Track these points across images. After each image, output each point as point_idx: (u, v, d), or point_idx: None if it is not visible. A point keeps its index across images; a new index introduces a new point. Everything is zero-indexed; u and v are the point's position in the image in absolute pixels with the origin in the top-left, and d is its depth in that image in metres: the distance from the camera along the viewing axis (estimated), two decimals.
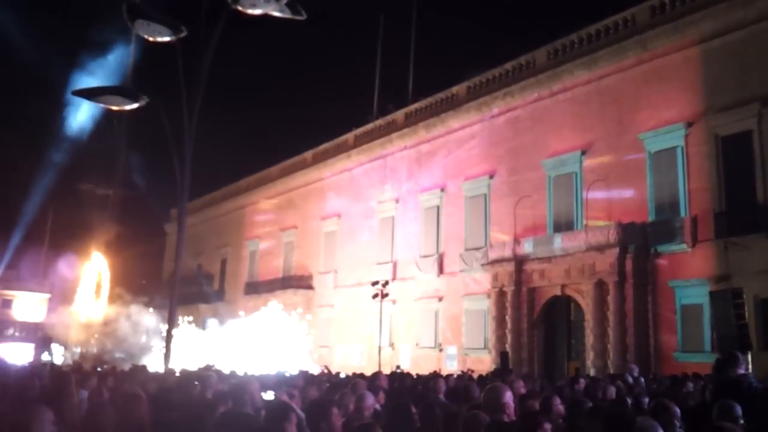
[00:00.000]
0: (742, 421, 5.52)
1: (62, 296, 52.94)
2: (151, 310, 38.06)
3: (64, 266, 50.86)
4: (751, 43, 21.94)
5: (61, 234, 54.62)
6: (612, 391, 9.45)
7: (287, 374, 15.24)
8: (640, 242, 23.83)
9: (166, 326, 12.27)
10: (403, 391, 9.77)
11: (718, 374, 8.38)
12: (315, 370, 23.00)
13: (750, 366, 16.45)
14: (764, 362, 17.69)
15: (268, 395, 7.71)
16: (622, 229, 23.91)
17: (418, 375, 17.69)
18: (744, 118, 21.92)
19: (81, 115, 39.98)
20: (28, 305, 60.79)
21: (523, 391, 8.05)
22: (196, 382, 8.63)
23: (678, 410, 5.33)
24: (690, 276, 22.75)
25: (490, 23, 63.49)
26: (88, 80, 34.82)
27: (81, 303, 47.31)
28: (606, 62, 26.23)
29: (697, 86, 23.49)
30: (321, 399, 6.64)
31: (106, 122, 41.73)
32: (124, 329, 36.68)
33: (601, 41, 26.71)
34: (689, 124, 23.45)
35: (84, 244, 49.52)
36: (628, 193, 24.96)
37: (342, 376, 18.07)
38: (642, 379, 13.44)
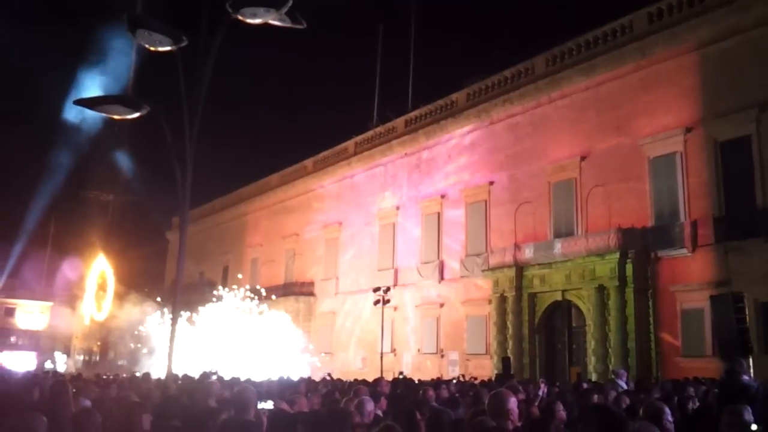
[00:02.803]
0: (755, 427, 5.57)
1: (65, 303, 52.85)
2: (153, 316, 37.99)
3: (67, 271, 50.78)
4: (749, 48, 22.01)
5: (64, 241, 54.66)
6: (612, 396, 9.50)
7: (290, 380, 15.27)
8: (641, 247, 23.87)
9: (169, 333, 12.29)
10: (401, 398, 9.77)
11: (726, 380, 8.45)
12: (317, 377, 22.99)
13: (752, 370, 16.51)
14: (765, 366, 17.71)
15: (267, 404, 7.70)
16: (622, 234, 23.95)
17: (420, 381, 17.74)
18: (742, 123, 21.99)
19: (83, 122, 40.05)
20: (31, 313, 60.74)
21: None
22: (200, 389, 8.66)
23: (669, 412, 5.36)
24: (690, 280, 22.77)
25: (489, 31, 63.70)
26: (90, 86, 34.94)
27: (85, 307, 47.23)
28: (604, 69, 26.30)
29: (695, 92, 23.56)
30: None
31: (107, 129, 41.79)
32: (127, 336, 36.65)
33: (599, 48, 26.80)
34: (688, 130, 23.51)
35: (86, 251, 49.55)
36: (627, 198, 25.02)
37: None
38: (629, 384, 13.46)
